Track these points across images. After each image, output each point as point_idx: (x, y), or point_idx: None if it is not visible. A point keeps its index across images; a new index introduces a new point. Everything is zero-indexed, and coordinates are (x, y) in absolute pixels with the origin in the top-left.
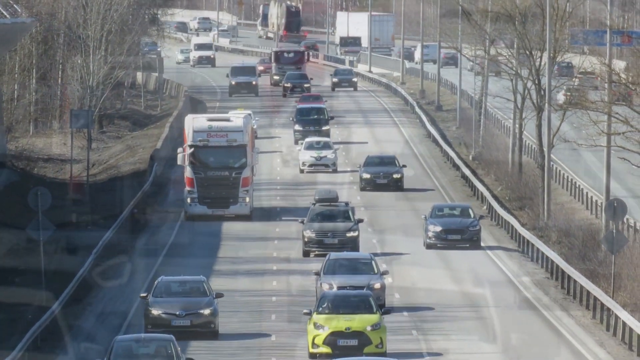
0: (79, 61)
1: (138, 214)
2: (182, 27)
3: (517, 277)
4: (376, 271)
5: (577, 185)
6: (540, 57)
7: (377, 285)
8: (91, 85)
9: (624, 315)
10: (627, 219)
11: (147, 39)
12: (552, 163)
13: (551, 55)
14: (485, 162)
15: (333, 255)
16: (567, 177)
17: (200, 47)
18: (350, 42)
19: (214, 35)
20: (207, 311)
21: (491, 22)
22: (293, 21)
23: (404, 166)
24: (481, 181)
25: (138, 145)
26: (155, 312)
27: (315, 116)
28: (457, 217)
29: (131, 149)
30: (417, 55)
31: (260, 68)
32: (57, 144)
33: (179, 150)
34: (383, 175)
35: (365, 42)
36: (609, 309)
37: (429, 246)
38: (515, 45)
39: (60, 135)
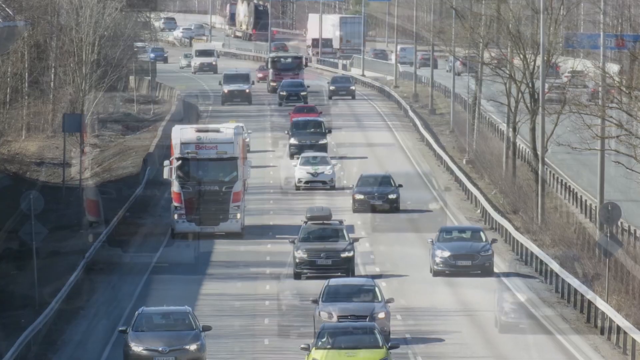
0: (71, 65)
1: (131, 218)
2: (145, 26)
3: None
4: (380, 299)
5: (571, 189)
6: (534, 61)
7: (382, 315)
8: (84, 89)
9: (619, 319)
10: (622, 223)
11: (154, 44)
12: (546, 167)
13: (545, 58)
14: (479, 165)
15: (333, 281)
16: (561, 180)
17: (201, 53)
18: (322, 44)
19: (179, 34)
20: (193, 347)
21: (485, 25)
22: (261, 20)
23: (400, 186)
24: (475, 185)
25: (131, 149)
26: (135, 348)
27: (312, 129)
28: (467, 241)
29: (124, 153)
30: (394, 56)
31: (260, 75)
32: (49, 148)
33: (166, 162)
34: (378, 196)
35: (335, 44)
36: (603, 313)
37: (436, 273)
38: (509, 49)
39: (52, 139)
